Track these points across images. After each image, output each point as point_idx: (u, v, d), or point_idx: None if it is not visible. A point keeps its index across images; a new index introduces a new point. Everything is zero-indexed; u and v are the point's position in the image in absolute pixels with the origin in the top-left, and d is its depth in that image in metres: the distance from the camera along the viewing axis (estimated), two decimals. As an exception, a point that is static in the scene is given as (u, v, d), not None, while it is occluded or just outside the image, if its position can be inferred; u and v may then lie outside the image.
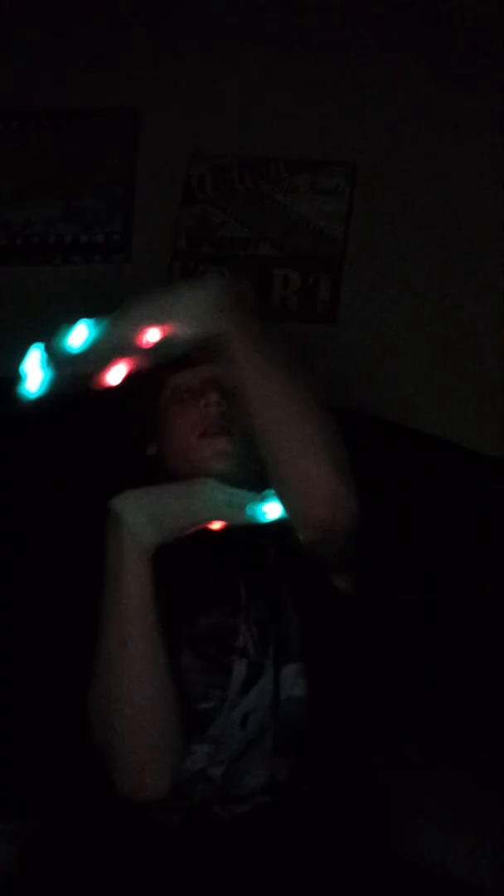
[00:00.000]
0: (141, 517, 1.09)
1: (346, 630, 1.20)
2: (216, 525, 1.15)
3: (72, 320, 1.10)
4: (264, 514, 1.14)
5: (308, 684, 1.14)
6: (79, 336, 1.09)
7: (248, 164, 1.76)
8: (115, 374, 1.11)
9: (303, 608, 1.17)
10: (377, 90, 1.73)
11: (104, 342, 1.09)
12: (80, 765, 1.13)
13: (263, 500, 1.14)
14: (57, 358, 1.10)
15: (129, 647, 1.07)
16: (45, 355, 1.11)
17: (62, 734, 1.20)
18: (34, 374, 1.11)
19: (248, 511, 1.14)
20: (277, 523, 1.13)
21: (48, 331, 1.11)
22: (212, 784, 1.12)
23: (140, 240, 1.79)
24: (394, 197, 1.71)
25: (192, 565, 1.18)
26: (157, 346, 1.08)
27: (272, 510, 1.13)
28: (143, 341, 1.07)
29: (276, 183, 1.75)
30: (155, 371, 1.21)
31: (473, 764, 1.29)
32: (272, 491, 1.12)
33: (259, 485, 1.15)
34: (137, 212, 1.80)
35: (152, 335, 1.07)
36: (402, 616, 1.34)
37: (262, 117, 1.78)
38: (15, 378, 1.13)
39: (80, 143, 1.82)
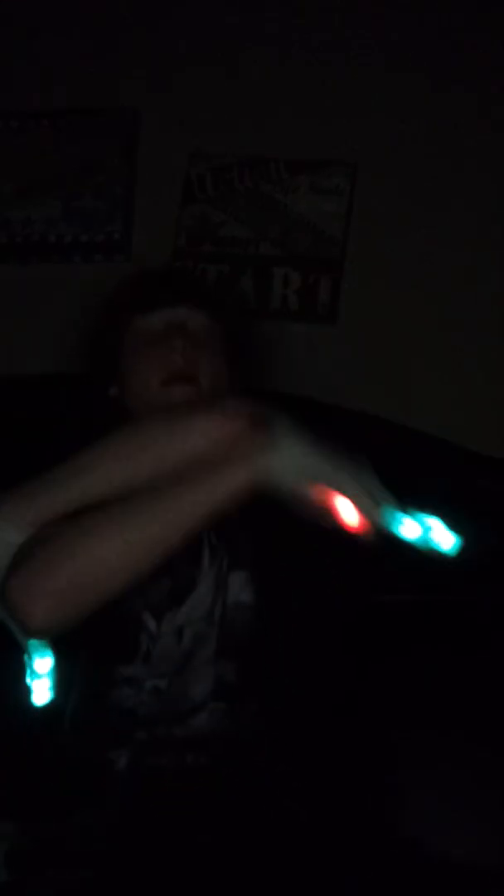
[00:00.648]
0: (288, 458, 1.05)
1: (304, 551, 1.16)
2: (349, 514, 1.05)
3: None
4: (401, 526, 1.04)
5: (255, 591, 1.12)
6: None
7: (248, 164, 1.76)
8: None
9: (253, 523, 1.14)
10: (377, 90, 1.73)
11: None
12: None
13: (407, 513, 1.05)
14: None
15: (140, 538, 1.05)
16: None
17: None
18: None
19: (387, 515, 1.04)
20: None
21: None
22: (158, 695, 1.10)
23: (140, 239, 1.79)
24: (394, 197, 1.71)
25: None
26: None
27: (411, 529, 1.04)
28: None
29: (276, 183, 1.75)
30: (116, 311, 1.23)
31: (473, 763, 1.28)
32: (420, 513, 1.05)
33: None
34: (137, 211, 1.80)
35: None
36: (402, 616, 1.34)
37: (262, 117, 1.78)
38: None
39: (80, 143, 1.82)
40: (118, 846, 1.04)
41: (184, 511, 1.07)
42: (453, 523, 1.04)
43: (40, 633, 1.08)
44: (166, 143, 1.81)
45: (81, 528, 1.07)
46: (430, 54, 1.73)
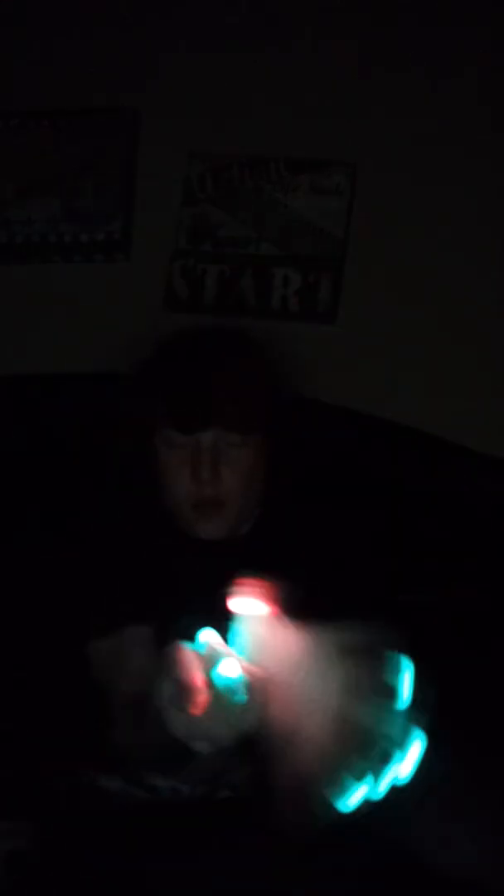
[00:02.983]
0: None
1: None
2: None
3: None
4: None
5: None
6: None
7: (248, 164, 1.76)
8: None
9: None
10: (377, 90, 1.73)
11: None
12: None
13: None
14: None
15: None
16: None
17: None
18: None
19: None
20: None
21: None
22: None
23: (140, 239, 1.79)
24: (394, 197, 1.71)
25: None
26: None
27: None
28: None
29: (276, 182, 1.75)
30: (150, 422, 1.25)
31: (478, 767, 1.27)
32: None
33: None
34: (137, 211, 1.80)
35: None
36: (402, 616, 1.33)
37: (263, 116, 1.78)
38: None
39: (80, 143, 1.82)
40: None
41: None
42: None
43: None
44: (166, 142, 1.81)
45: None
46: (430, 54, 1.73)
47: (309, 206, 1.73)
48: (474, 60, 1.72)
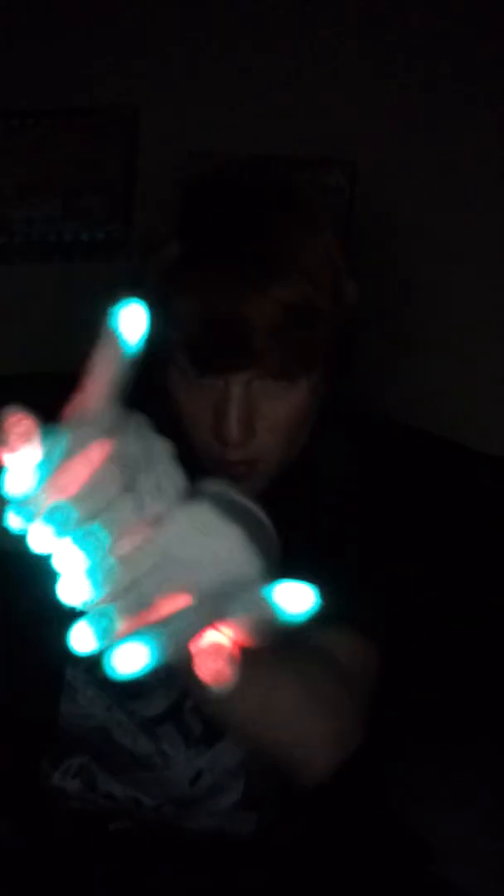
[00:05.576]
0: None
1: None
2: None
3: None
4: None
5: None
6: None
7: (248, 164, 1.76)
8: None
9: None
10: (377, 90, 1.73)
11: None
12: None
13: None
14: None
15: None
16: None
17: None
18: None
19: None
20: None
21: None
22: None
23: (140, 238, 1.79)
24: (394, 197, 1.71)
25: None
26: None
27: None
28: None
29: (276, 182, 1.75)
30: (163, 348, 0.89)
31: (489, 774, 1.26)
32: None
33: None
34: (137, 211, 1.80)
35: None
36: (406, 619, 1.33)
37: (262, 115, 1.78)
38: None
39: (79, 142, 1.82)
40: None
41: None
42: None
43: None
44: (166, 141, 1.81)
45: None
46: (430, 54, 1.73)
47: (309, 205, 1.73)
48: (474, 58, 1.71)
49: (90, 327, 1.53)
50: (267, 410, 0.91)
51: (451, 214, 1.69)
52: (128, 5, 1.84)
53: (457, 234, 1.69)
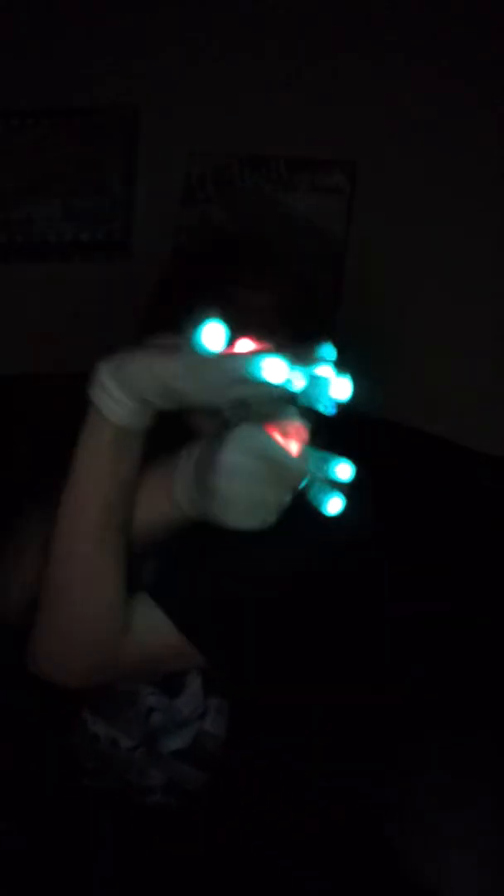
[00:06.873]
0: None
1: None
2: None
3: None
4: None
5: (228, 722, 1.05)
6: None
7: (248, 163, 1.76)
8: None
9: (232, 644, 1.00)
10: (377, 90, 1.73)
11: None
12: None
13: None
14: None
15: (74, 544, 0.93)
16: None
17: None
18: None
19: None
20: None
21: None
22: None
23: (140, 239, 1.79)
24: (394, 197, 1.71)
25: None
26: None
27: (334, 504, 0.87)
28: None
29: (276, 182, 1.75)
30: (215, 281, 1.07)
31: (490, 775, 1.26)
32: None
33: None
34: (137, 210, 1.80)
35: None
36: (406, 619, 1.33)
37: (263, 116, 1.78)
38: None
39: (79, 142, 1.82)
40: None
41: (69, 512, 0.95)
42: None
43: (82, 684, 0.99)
44: (166, 141, 1.81)
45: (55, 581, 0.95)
46: (430, 54, 1.73)
47: (309, 205, 1.73)
48: (474, 57, 1.71)
49: (90, 327, 1.51)
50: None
51: (450, 214, 1.69)
52: (128, 5, 1.84)
53: (456, 234, 1.69)
